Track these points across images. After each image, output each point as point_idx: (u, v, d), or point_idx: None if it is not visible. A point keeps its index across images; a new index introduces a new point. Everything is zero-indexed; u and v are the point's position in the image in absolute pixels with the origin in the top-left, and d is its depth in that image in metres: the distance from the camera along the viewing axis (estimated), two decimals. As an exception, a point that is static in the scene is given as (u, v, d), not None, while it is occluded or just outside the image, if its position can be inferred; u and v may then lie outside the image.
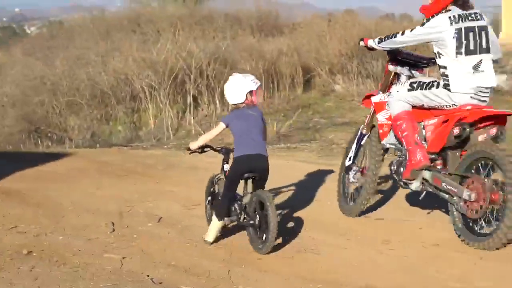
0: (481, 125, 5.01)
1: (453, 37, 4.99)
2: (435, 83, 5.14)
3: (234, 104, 5.21)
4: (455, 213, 5.04)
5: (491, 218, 4.83)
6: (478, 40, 5.02)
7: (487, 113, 4.95)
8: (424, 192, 5.31)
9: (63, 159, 9.36)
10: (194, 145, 5.37)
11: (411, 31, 5.19)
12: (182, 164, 8.61)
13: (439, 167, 5.25)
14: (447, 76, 5.05)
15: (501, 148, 4.79)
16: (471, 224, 4.96)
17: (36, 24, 46.10)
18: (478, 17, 5.08)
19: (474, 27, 5.03)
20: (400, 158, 5.48)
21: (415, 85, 5.26)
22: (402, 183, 5.44)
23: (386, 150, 5.72)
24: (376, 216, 5.89)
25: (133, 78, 13.47)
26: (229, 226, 5.31)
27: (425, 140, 5.29)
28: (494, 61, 5.23)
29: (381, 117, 5.61)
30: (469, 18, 5.03)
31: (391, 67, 5.69)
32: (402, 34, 5.24)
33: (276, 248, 4.97)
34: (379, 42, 5.45)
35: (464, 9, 5.07)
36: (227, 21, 17.82)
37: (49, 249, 4.94)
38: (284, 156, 9.25)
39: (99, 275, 4.38)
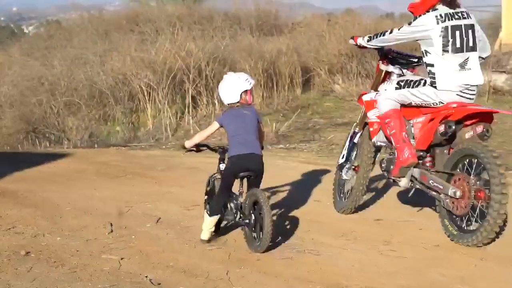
0: (468, 122, 5.05)
1: (440, 36, 5.04)
2: (422, 81, 5.19)
3: (228, 104, 5.19)
4: (442, 210, 5.09)
5: (476, 215, 4.86)
6: (465, 38, 5.07)
7: (472, 111, 4.99)
8: (413, 189, 5.38)
9: (61, 159, 9.34)
10: (189, 143, 5.35)
11: (399, 29, 5.25)
12: (181, 165, 8.59)
13: (428, 164, 5.31)
14: (433, 74, 5.10)
15: (484, 145, 4.82)
16: (458, 221, 5.01)
17: (34, 24, 46.07)
18: (465, 15, 5.13)
19: (461, 25, 5.08)
20: (390, 156, 5.53)
21: (402, 83, 5.30)
22: (391, 180, 5.50)
23: (378, 148, 5.75)
24: (375, 216, 5.88)
25: (131, 78, 13.44)
26: (223, 225, 5.31)
27: (413, 138, 5.32)
28: (483, 59, 5.28)
29: (371, 115, 5.67)
30: (456, 16, 5.08)
31: (382, 66, 5.73)
32: (391, 32, 5.30)
33: (276, 249, 4.95)
34: (368, 40, 5.50)
35: (452, 7, 5.12)
36: (226, 21, 17.77)
37: (47, 250, 4.91)
38: (283, 156, 9.24)
39: (97, 276, 4.36)
